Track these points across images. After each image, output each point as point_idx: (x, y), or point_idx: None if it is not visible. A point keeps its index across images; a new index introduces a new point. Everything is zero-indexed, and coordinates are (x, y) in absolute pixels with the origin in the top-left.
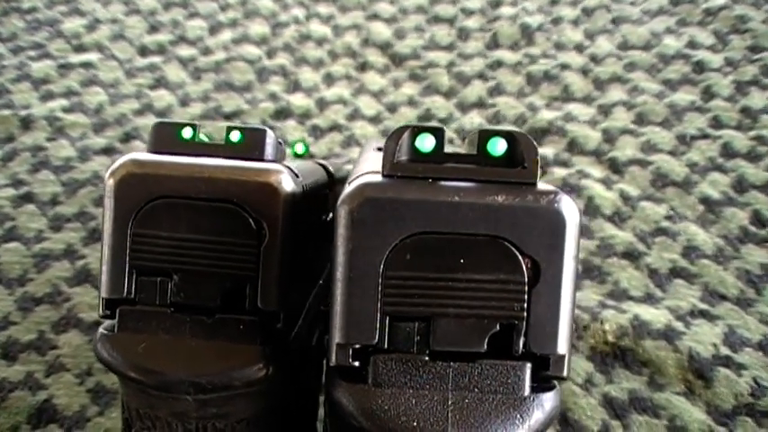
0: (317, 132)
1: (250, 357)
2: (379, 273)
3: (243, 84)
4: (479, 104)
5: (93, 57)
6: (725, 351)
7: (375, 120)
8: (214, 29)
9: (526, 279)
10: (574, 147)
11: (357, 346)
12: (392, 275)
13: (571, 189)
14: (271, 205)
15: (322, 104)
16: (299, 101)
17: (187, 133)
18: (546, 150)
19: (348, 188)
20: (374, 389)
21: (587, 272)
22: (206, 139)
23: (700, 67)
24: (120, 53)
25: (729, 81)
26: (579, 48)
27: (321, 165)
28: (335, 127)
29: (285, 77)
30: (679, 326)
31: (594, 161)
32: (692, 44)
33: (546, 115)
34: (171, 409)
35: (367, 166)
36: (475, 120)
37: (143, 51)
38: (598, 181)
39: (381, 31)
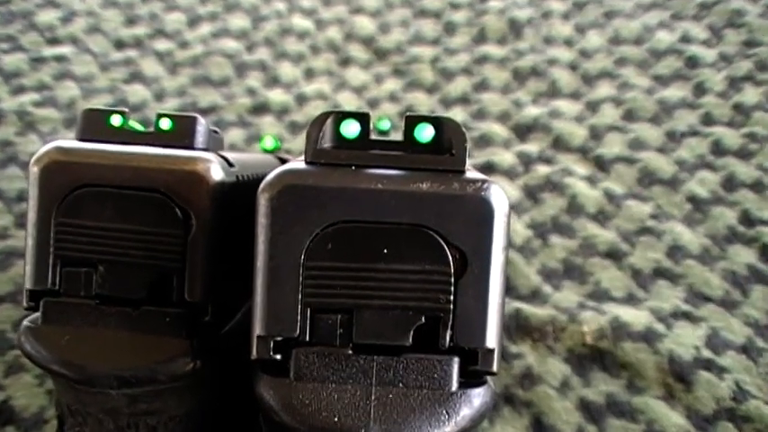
0: (295, 128)
1: (176, 350)
2: (300, 263)
3: (220, 78)
4: (463, 100)
5: (66, 50)
6: (707, 354)
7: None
8: (193, 22)
9: (452, 270)
10: (559, 143)
11: (278, 338)
12: (314, 266)
13: (554, 187)
14: (198, 195)
15: (301, 100)
16: (277, 96)
17: (116, 120)
18: (530, 147)
19: (269, 176)
20: (296, 383)
21: (568, 272)
22: (137, 127)
23: (692, 62)
24: (95, 46)
25: (723, 77)
26: (569, 42)
27: (282, 160)
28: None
29: (264, 72)
30: (660, 327)
31: (580, 158)
32: (686, 38)
33: (532, 111)
34: (100, 404)
35: None
36: (458, 116)
37: (119, 45)
38: (583, 179)
39: (365, 25)
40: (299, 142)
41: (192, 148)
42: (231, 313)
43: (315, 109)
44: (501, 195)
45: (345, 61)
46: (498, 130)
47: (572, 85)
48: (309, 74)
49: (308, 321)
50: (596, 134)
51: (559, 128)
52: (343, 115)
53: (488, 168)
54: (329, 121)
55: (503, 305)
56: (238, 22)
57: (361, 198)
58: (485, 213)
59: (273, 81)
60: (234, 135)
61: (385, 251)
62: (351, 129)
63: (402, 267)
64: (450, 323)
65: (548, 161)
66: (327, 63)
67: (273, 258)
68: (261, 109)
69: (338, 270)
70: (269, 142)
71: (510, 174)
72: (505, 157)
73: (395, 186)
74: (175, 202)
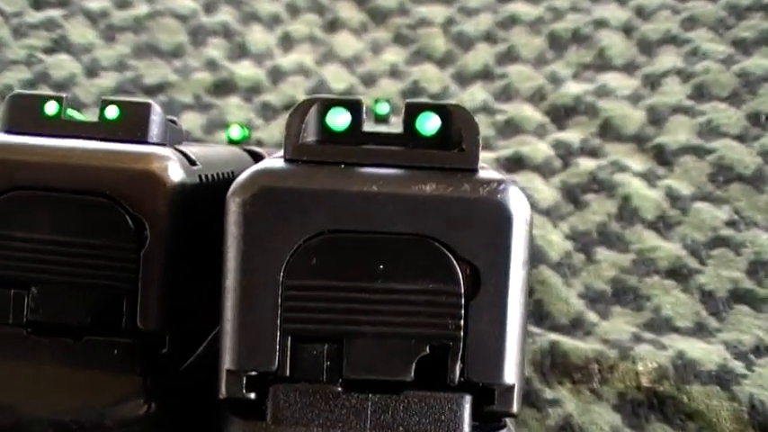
0: (269, 112)
1: (126, 390)
2: (278, 281)
3: (171, 47)
4: (484, 75)
5: None
6: None
7: (346, 95)
8: None
9: (463, 289)
10: (608, 130)
11: (253, 373)
12: (295, 285)
13: (601, 186)
14: (153, 199)
15: (276, 75)
16: (245, 70)
17: (51, 108)
18: (570, 135)
19: (241, 176)
20: (274, 427)
21: (618, 295)
22: (77, 117)
23: None
24: (5, 4)
25: None
26: None
27: (253, 153)
28: (292, 105)
29: (228, 39)
30: (738, 366)
31: (634, 149)
32: None
33: (572, 89)
34: None
35: None
36: (477, 96)
37: (37, 2)
38: (638, 175)
39: None
40: (273, 130)
41: (144, 142)
42: (194, 344)
43: (293, 87)
44: (520, 198)
45: (332, 24)
46: (529, 113)
47: (625, 54)
48: (286, 41)
49: (289, 352)
50: (656, 118)
51: (608, 110)
52: (330, 103)
53: (517, 162)
54: (313, 110)
55: (524, 332)
56: None
57: (352, 203)
58: (501, 220)
59: (240, 51)
60: (190, 121)
61: (381, 267)
62: (340, 119)
63: (402, 287)
64: (460, 354)
65: (593, 153)
66: (309, 27)
67: (247, 276)
68: (224, 87)
69: (325, 290)
70: (236, 132)
71: (544, 169)
72: (539, 148)
73: (393, 189)
74: (125, 208)
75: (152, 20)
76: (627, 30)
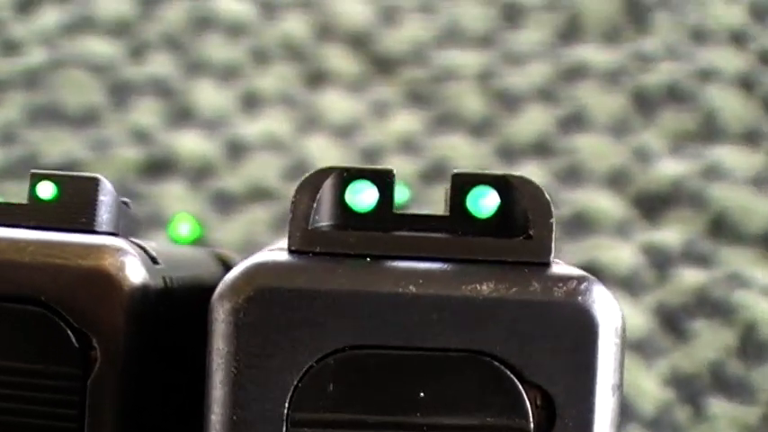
0: (226, 204)
1: None
2: (282, 416)
3: (81, 112)
4: (540, 150)
5: None
6: None
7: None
8: (27, 3)
9: (532, 425)
10: (722, 228)
11: None
12: (305, 420)
13: (715, 308)
14: (105, 308)
15: (236, 151)
16: (190, 144)
17: None
18: (667, 235)
19: (231, 273)
20: None
21: None
22: None
23: None
24: None
25: None
26: (738, 37)
27: (220, 255)
28: (259, 194)
29: (165, 98)
30: None
31: (762, 254)
32: None
33: (670, 169)
34: None
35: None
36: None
37: None
38: (767, 292)
39: (352, 9)
40: (233, 229)
41: (92, 230)
42: None
43: (261, 167)
44: (609, 301)
45: (317, 77)
46: (608, 203)
47: (745, 118)
48: (250, 101)
49: None
50: None
51: (722, 198)
52: (351, 174)
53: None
54: (328, 184)
55: None
56: (112, 4)
57: (382, 309)
58: (583, 331)
59: (182, 115)
60: None
61: (422, 396)
62: (364, 196)
63: (450, 422)
64: None
65: (702, 261)
66: (284, 81)
67: (240, 409)
68: (160, 168)
69: (346, 427)
70: (185, 228)
71: (631, 285)
72: (622, 255)
73: (437, 290)
74: (67, 319)
75: (53, 72)
76: (747, 84)
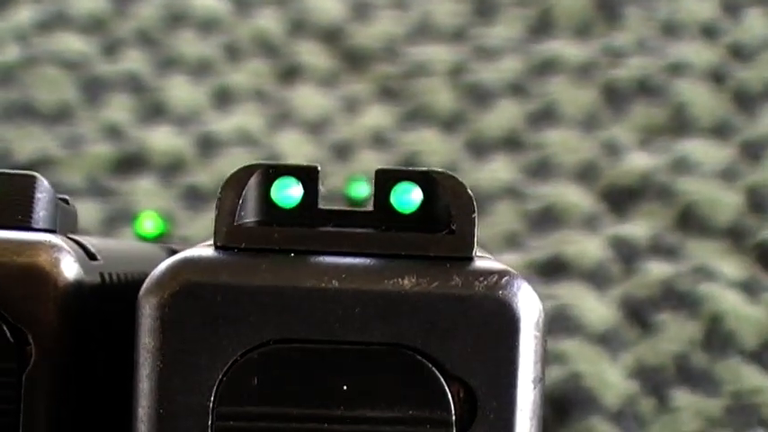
0: (197, 200)
1: None
2: (207, 409)
3: (53, 108)
4: (511, 144)
5: None
6: None
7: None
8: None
9: (454, 417)
10: (690, 221)
11: None
12: (230, 413)
13: (680, 301)
14: (39, 304)
15: (207, 147)
16: (162, 140)
17: None
18: (635, 229)
19: (158, 268)
20: None
21: None
22: None
23: None
24: None
25: None
26: (709, 30)
27: (174, 251)
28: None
29: (138, 94)
30: None
31: (728, 248)
32: None
33: (638, 162)
34: None
35: None
36: (500, 174)
37: None
38: (734, 286)
39: (325, 5)
40: (202, 224)
41: (28, 227)
42: None
43: (233, 163)
44: (529, 295)
45: (290, 73)
46: (576, 197)
47: (715, 112)
48: (223, 97)
49: None
50: (760, 202)
51: (690, 192)
52: (276, 170)
53: (558, 269)
54: (253, 180)
55: None
56: (86, 1)
57: (305, 303)
58: (504, 324)
59: (154, 111)
60: (82, 212)
61: (345, 389)
62: (289, 192)
63: (373, 414)
64: None
65: (669, 254)
66: (257, 76)
67: (166, 402)
68: (131, 164)
69: (270, 419)
70: (149, 224)
71: (598, 278)
72: (590, 248)
73: (360, 284)
74: (2, 315)
75: (25, 69)
76: (717, 77)
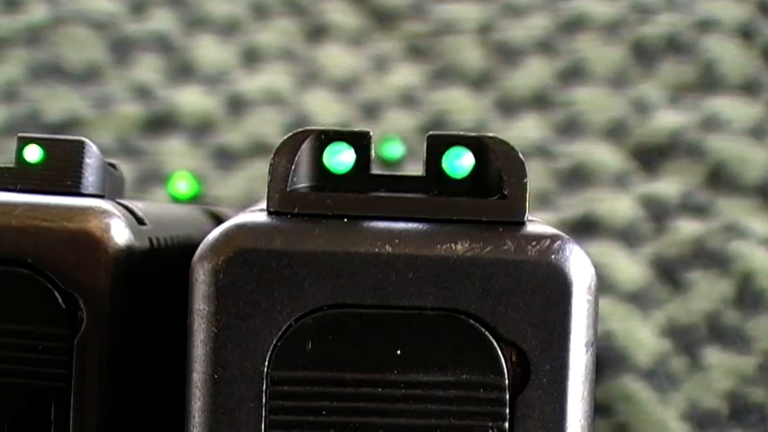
0: (226, 160)
1: None
2: (262, 374)
3: (83, 69)
4: (539, 102)
5: None
6: None
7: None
8: None
9: (507, 381)
10: (720, 179)
11: None
12: (285, 378)
13: (711, 258)
14: (91, 269)
15: (236, 107)
16: (191, 99)
17: None
18: (665, 187)
19: (211, 234)
20: None
21: (738, 416)
22: None
23: None
24: None
25: None
26: None
27: (214, 213)
28: (260, 149)
29: (166, 56)
30: None
31: (759, 205)
32: None
33: (668, 120)
34: None
35: None
36: (530, 132)
37: None
38: (763, 243)
39: None
40: (233, 184)
41: (77, 193)
42: None
43: (261, 123)
44: (582, 260)
45: (318, 32)
46: (606, 155)
47: (744, 68)
48: (251, 56)
49: None
50: None
51: (720, 150)
52: (329, 136)
53: (588, 227)
54: (306, 146)
55: None
56: None
57: (359, 269)
58: (556, 289)
59: (184, 72)
60: None
61: (399, 353)
62: (341, 158)
63: (427, 379)
64: None
65: (699, 212)
66: (284, 36)
67: (220, 368)
68: (161, 124)
69: (324, 384)
70: (183, 185)
71: (629, 237)
72: (620, 207)
73: (413, 249)
74: (54, 281)
75: (54, 29)
76: (746, 34)
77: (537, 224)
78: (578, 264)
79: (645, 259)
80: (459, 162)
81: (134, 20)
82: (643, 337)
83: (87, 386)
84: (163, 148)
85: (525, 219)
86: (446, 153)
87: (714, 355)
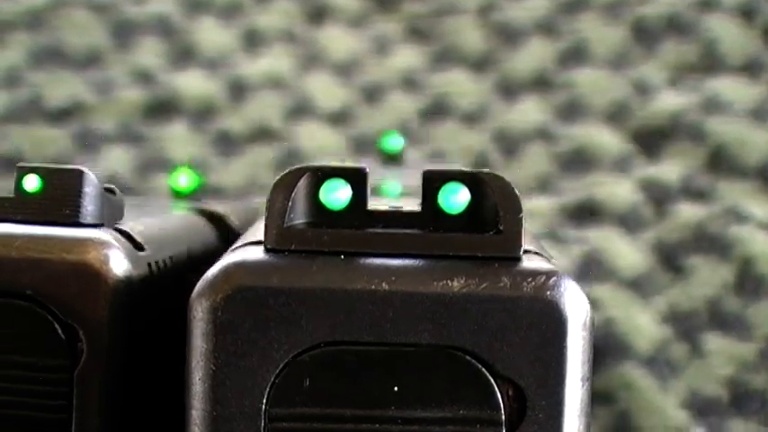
0: (228, 145)
1: None
2: (260, 411)
3: (85, 52)
4: (540, 84)
5: None
6: None
7: (338, 119)
8: None
9: (503, 417)
10: (721, 162)
11: None
12: (283, 415)
13: (712, 243)
14: (90, 301)
15: (238, 91)
16: (193, 83)
17: None
18: (666, 170)
19: (210, 271)
20: None
21: (739, 403)
22: None
23: None
24: None
25: None
26: None
27: (215, 216)
28: (262, 134)
29: (169, 38)
30: None
31: (760, 188)
32: None
33: (669, 102)
34: None
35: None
36: (530, 114)
37: None
38: (764, 227)
39: None
40: (234, 170)
41: (76, 223)
42: None
43: (263, 107)
44: (577, 295)
45: (319, 14)
46: (606, 138)
47: (745, 49)
48: (252, 39)
49: None
50: None
51: (721, 132)
52: (324, 172)
53: (588, 212)
54: (303, 183)
55: None
56: None
57: (355, 306)
58: (552, 325)
59: (185, 56)
60: (114, 159)
61: (396, 390)
62: (338, 194)
63: (424, 415)
64: None
65: (700, 196)
66: (286, 17)
67: (219, 405)
68: (162, 109)
69: (322, 421)
70: (184, 179)
71: (629, 222)
72: (620, 191)
73: (409, 286)
74: (53, 312)
75: (55, 13)
76: (747, 13)
77: (533, 257)
78: (574, 300)
79: (645, 245)
80: (455, 198)
81: (134, 3)
82: (644, 323)
83: (88, 417)
84: (164, 134)
85: (521, 254)
86: (442, 189)
87: (715, 342)
